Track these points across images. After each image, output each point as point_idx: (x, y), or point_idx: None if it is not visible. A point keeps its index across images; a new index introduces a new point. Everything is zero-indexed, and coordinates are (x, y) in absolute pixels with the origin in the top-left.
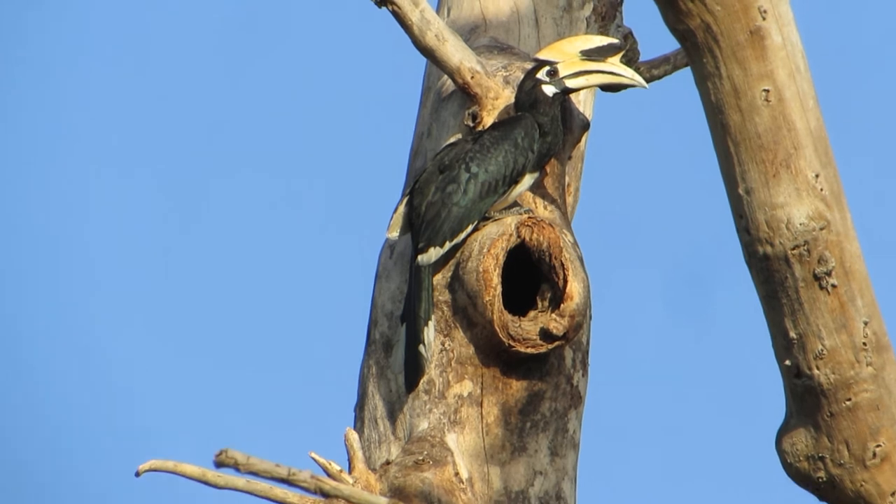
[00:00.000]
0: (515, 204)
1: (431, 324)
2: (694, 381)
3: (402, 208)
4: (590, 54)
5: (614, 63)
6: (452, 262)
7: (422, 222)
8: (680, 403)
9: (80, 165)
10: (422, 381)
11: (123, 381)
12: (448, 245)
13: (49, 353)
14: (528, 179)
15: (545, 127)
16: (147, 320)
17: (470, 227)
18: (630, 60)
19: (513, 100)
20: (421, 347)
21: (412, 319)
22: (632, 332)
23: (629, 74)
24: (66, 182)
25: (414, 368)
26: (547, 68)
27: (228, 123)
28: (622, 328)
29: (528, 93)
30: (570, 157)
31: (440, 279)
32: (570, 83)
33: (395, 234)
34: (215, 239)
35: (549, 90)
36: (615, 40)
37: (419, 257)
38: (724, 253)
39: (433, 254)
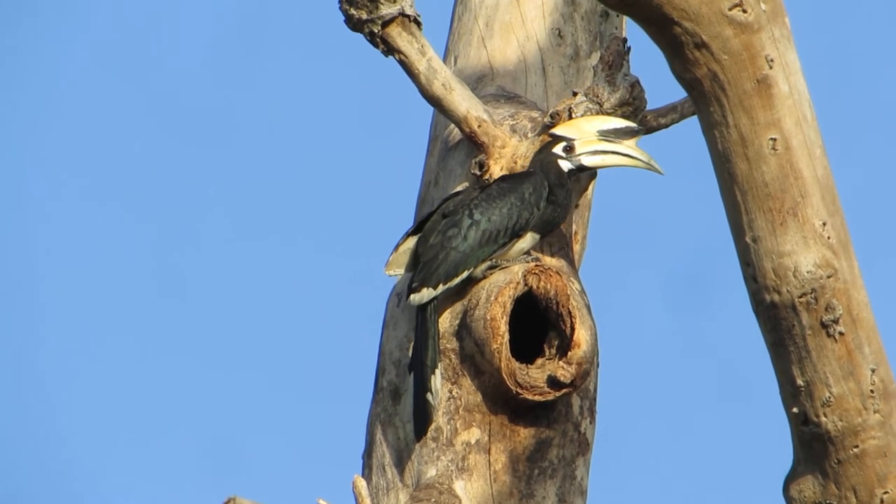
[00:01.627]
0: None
1: (438, 372)
2: (701, 415)
3: (402, 247)
4: (607, 135)
5: (631, 146)
6: (460, 309)
7: (419, 263)
8: (686, 445)
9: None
10: (430, 428)
11: (130, 430)
12: (441, 288)
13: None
14: (529, 238)
15: (557, 198)
16: (151, 379)
17: (465, 273)
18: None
19: (519, 149)
20: (429, 395)
21: (419, 368)
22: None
23: (645, 159)
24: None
25: (422, 416)
26: (564, 144)
27: (233, 169)
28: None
29: (543, 165)
30: (577, 206)
31: (448, 327)
32: (586, 161)
33: (392, 272)
34: (220, 288)
35: (564, 165)
36: (633, 124)
37: (411, 296)
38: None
39: (425, 294)
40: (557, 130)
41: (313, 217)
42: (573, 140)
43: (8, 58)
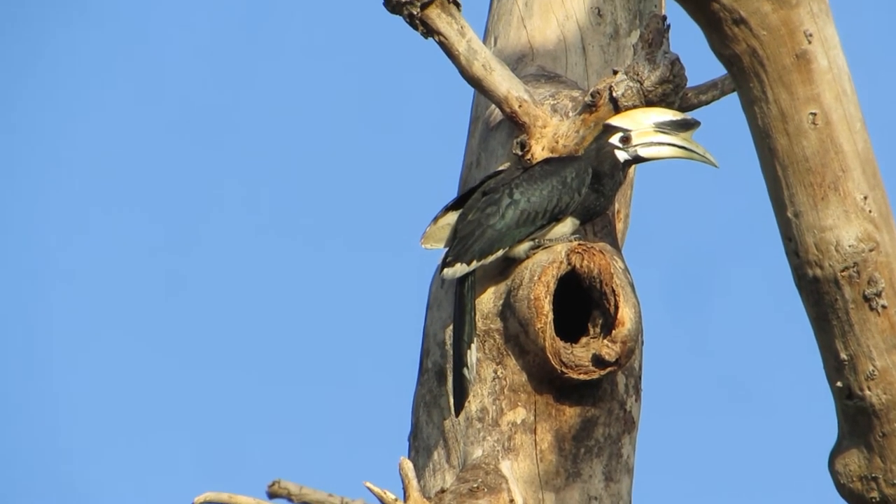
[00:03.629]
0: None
1: (474, 346)
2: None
3: (441, 221)
4: (664, 127)
5: (687, 139)
6: (504, 289)
7: (456, 238)
8: (730, 424)
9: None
10: (475, 408)
11: (174, 419)
12: (475, 264)
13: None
14: (569, 224)
15: (605, 188)
16: (197, 356)
17: (500, 252)
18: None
19: (560, 128)
20: (465, 370)
21: (455, 343)
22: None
23: (701, 152)
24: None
25: (459, 391)
26: (620, 134)
27: (272, 151)
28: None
29: (598, 154)
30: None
31: (491, 307)
32: (642, 152)
33: (428, 245)
34: (263, 269)
35: (621, 156)
36: (689, 117)
37: (444, 270)
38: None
39: (458, 269)
40: (613, 121)
41: (358, 199)
42: (630, 131)
43: (10, 58)
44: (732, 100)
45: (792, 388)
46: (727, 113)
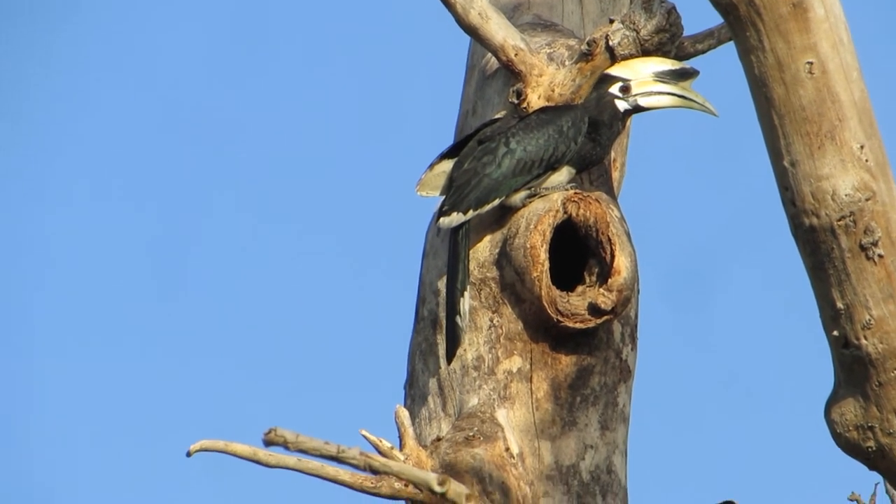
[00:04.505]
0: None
1: (467, 294)
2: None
3: (437, 169)
4: (663, 76)
5: (686, 88)
6: (500, 238)
7: (452, 187)
8: (730, 420)
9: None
10: (471, 356)
11: (172, 370)
12: (471, 213)
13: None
14: (565, 172)
15: (602, 137)
16: (189, 303)
17: (497, 201)
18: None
19: (557, 77)
20: (457, 318)
21: (448, 291)
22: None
23: (700, 101)
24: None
25: (452, 339)
26: (620, 84)
27: (269, 110)
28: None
29: (598, 103)
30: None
31: (487, 256)
32: (642, 101)
33: (424, 192)
34: (260, 217)
35: (621, 105)
36: (688, 66)
37: (441, 220)
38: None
39: (455, 219)
40: (612, 71)
41: (353, 146)
42: (629, 81)
43: (9, 58)
44: (729, 49)
45: (792, 384)
46: (724, 62)
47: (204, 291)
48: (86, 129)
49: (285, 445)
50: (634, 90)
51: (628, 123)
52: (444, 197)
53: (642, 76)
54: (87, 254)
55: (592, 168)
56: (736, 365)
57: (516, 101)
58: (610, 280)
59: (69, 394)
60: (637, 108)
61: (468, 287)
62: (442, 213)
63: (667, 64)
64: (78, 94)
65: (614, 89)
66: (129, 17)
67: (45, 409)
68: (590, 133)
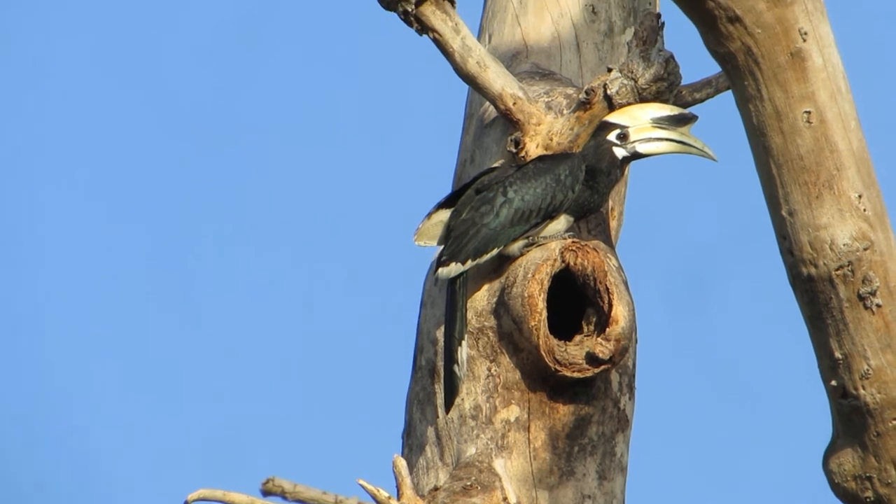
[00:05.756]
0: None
1: (465, 343)
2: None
3: (434, 218)
4: (661, 122)
5: (685, 133)
6: (497, 286)
7: (450, 237)
8: (723, 424)
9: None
10: (469, 406)
11: (185, 409)
12: (470, 263)
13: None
14: (563, 221)
15: (599, 185)
16: (189, 357)
17: (495, 251)
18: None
19: (555, 126)
20: (455, 367)
21: (446, 340)
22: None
23: (699, 146)
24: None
25: (449, 389)
26: (617, 131)
27: (274, 149)
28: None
29: (596, 151)
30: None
31: (485, 305)
32: (640, 148)
33: (422, 242)
34: (264, 261)
35: (619, 153)
36: (686, 111)
37: (439, 270)
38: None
39: (453, 269)
40: (610, 118)
41: (353, 194)
42: (627, 127)
43: (5, 60)
44: (727, 97)
45: (788, 386)
46: (721, 111)
47: (200, 330)
48: (85, 130)
49: (283, 495)
50: (632, 137)
51: (627, 171)
52: (441, 247)
53: (640, 122)
54: (84, 262)
55: (590, 216)
56: (735, 370)
57: (514, 150)
58: (608, 329)
59: (69, 391)
60: (635, 155)
61: (466, 336)
62: (440, 263)
63: (665, 110)
64: (78, 95)
65: (612, 136)
66: (122, 17)
67: (44, 405)
68: (587, 181)
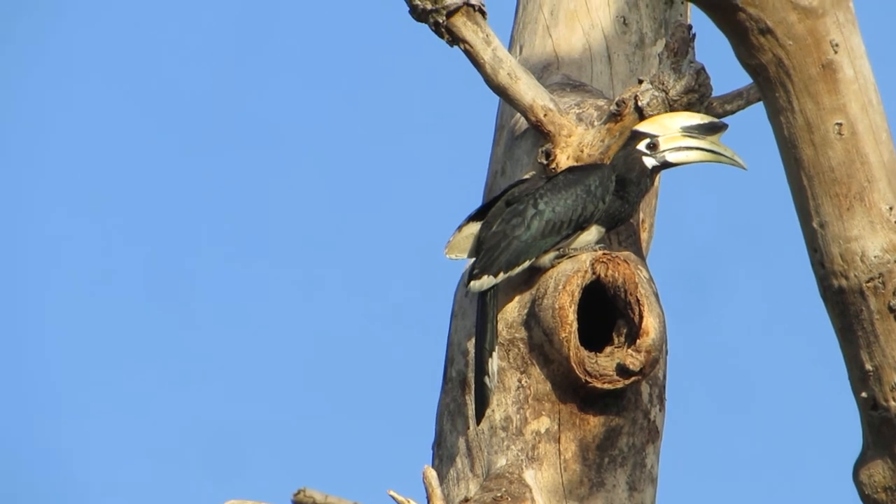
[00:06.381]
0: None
1: (496, 355)
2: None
3: (465, 231)
4: (691, 131)
5: (715, 142)
6: (528, 298)
7: (482, 250)
8: (752, 434)
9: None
10: (499, 417)
11: (208, 418)
12: (502, 276)
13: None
14: (594, 231)
15: (629, 195)
16: (216, 366)
17: (527, 263)
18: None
19: (586, 138)
20: (486, 379)
21: (477, 352)
22: None
23: (729, 154)
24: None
25: (480, 400)
26: (647, 141)
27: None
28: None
29: (626, 161)
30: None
31: (516, 316)
32: (670, 157)
33: (453, 255)
34: (292, 270)
35: (649, 162)
36: (716, 119)
37: (471, 283)
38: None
39: (486, 282)
40: (640, 127)
41: (383, 204)
42: (657, 137)
43: (6, 60)
44: (758, 109)
45: (800, 389)
46: (753, 123)
47: (225, 344)
48: (84, 131)
49: None
50: (662, 146)
51: (657, 181)
52: (473, 259)
53: (670, 131)
54: (84, 261)
55: (621, 227)
56: (737, 369)
57: (545, 162)
58: (638, 341)
59: (69, 401)
60: (665, 165)
61: (497, 347)
62: (472, 276)
63: (695, 118)
64: (77, 96)
65: (642, 146)
66: (119, 23)
67: (45, 415)
68: (618, 191)
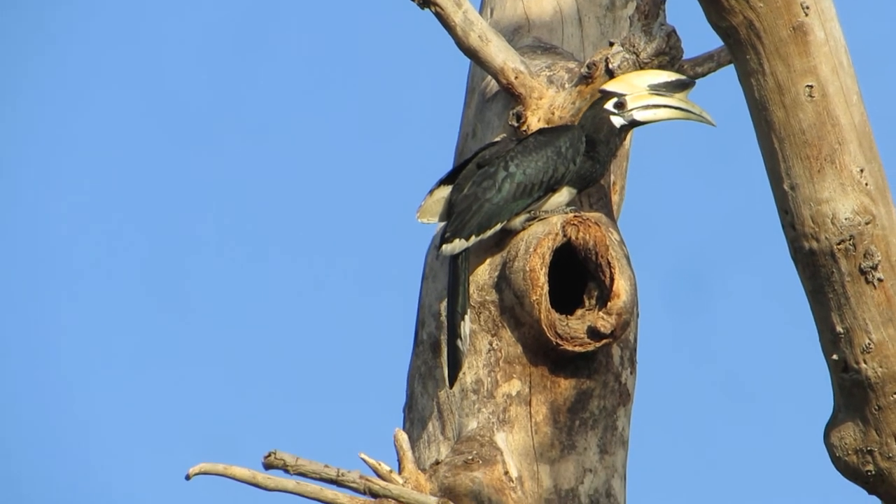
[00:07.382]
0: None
1: (468, 318)
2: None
3: (436, 195)
4: (658, 89)
5: (682, 99)
6: (499, 261)
7: (453, 213)
8: (724, 400)
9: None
10: (470, 380)
11: (180, 387)
12: (473, 239)
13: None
14: (565, 193)
15: (599, 154)
16: (204, 322)
17: (498, 226)
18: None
19: (556, 100)
20: (458, 342)
21: (449, 315)
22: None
23: (698, 111)
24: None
25: (452, 363)
26: (615, 100)
27: (273, 127)
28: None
29: (594, 121)
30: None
31: (487, 279)
32: (638, 116)
33: (424, 219)
34: (268, 237)
35: (616, 121)
36: (684, 77)
37: (443, 246)
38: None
39: (457, 245)
40: (608, 86)
41: (353, 167)
42: (624, 95)
43: (5, 60)
44: (729, 72)
45: (791, 387)
46: (723, 85)
47: (202, 310)
48: (84, 131)
49: (285, 468)
50: (630, 105)
51: (627, 144)
52: (444, 223)
53: (638, 90)
54: (84, 260)
55: (592, 188)
56: (736, 370)
57: (516, 124)
58: (609, 303)
59: (70, 395)
60: (634, 123)
61: (468, 310)
62: (444, 239)
63: (663, 75)
64: (76, 95)
65: (609, 105)
66: (120, 19)
67: (45, 410)
68: (588, 151)
